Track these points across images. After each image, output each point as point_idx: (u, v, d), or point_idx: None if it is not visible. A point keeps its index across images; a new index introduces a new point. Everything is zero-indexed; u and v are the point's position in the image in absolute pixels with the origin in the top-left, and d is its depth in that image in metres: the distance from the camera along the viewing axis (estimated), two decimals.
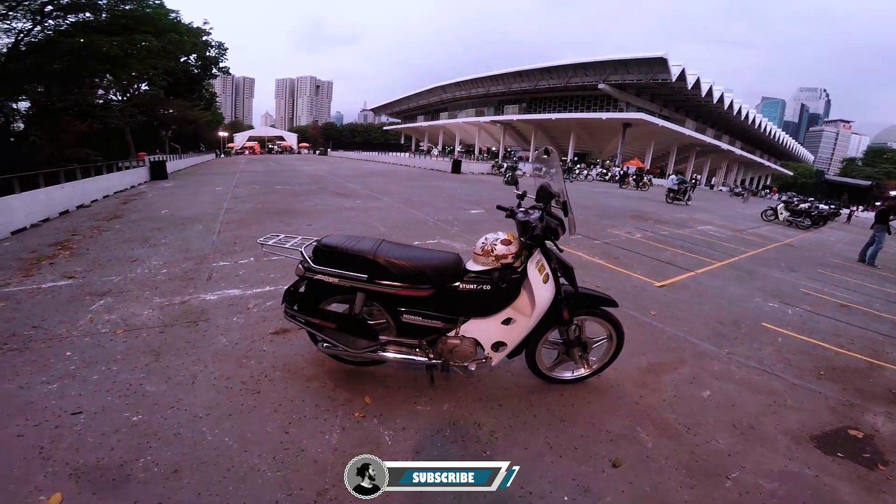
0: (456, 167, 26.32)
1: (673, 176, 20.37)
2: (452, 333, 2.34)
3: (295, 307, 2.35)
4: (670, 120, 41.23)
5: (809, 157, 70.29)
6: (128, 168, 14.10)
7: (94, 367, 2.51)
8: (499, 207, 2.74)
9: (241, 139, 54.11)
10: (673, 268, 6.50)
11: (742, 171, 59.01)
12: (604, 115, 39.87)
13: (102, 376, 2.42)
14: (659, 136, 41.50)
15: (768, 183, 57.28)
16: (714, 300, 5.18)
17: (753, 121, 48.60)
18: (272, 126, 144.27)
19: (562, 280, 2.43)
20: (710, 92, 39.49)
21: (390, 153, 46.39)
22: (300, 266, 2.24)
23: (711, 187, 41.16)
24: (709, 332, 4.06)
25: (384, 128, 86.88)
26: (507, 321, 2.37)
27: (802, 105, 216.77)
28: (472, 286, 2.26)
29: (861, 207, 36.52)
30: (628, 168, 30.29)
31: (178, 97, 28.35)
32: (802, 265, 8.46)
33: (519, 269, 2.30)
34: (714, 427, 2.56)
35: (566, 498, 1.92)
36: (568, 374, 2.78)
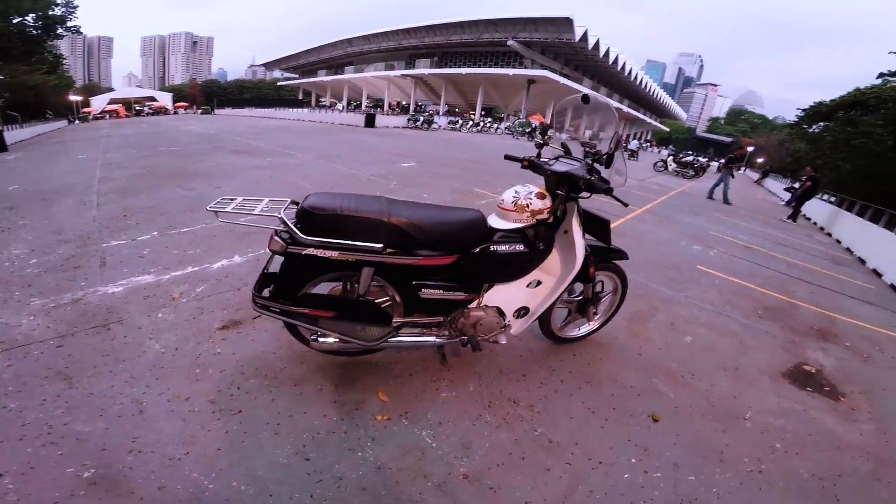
0: (369, 121, 24.85)
1: (635, 141, 24.90)
2: (474, 304, 2.01)
3: (268, 295, 1.78)
4: (570, 78, 43.33)
5: (683, 115, 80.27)
6: None
7: None
8: (508, 157, 2.46)
9: (100, 103, 43.99)
10: (604, 214, 6.89)
11: (628, 126, 65.46)
12: (511, 72, 40.48)
13: (1, 419, 1.62)
14: (559, 93, 43.40)
15: (649, 137, 64.36)
16: (651, 245, 5.57)
17: (642, 81, 53.48)
18: (138, 87, 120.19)
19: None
20: (607, 53, 42.08)
21: (289, 109, 42.21)
22: (278, 239, 1.64)
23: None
24: (661, 277, 4.32)
25: (278, 83, 77.74)
26: (532, 284, 2.11)
27: (680, 69, 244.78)
28: (503, 248, 1.91)
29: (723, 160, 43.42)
30: (534, 123, 31.52)
31: (11, 62, 24.11)
32: (701, 210, 9.65)
33: (551, 225, 2.05)
34: (710, 372, 2.68)
35: (633, 460, 1.84)
36: (576, 332, 2.66)
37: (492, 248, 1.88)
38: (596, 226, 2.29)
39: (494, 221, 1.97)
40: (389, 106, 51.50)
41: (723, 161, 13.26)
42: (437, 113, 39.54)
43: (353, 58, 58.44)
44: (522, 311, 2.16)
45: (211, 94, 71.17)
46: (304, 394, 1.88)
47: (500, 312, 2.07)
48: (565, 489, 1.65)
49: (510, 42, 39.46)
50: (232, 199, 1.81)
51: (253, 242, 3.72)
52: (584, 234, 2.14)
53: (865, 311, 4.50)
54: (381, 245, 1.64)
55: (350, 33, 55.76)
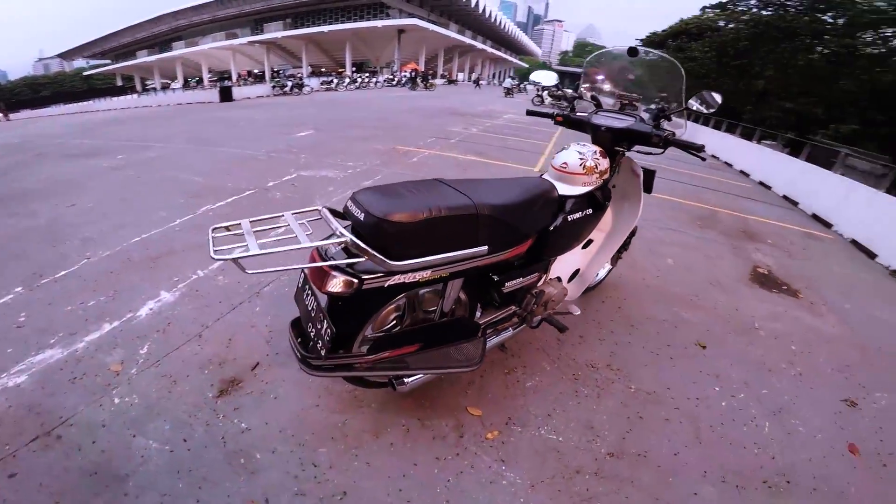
0: (226, 95, 21.11)
1: (509, 79, 26.96)
2: (542, 281, 1.83)
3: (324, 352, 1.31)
4: (437, 24, 42.69)
5: (538, 51, 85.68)
6: None
7: None
8: (532, 113, 2.26)
9: None
10: (527, 153, 7.20)
11: (493, 66, 67.77)
12: (379, 24, 38.34)
13: None
14: (429, 40, 42.94)
15: (511, 74, 67.68)
16: None
17: (501, 22, 55.08)
18: None
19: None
20: None
21: (110, 98, 34.12)
22: (339, 275, 1.15)
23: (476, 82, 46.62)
24: None
25: (85, 73, 61.64)
26: (586, 244, 2.01)
27: (529, 7, 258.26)
28: (577, 216, 1.73)
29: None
30: (413, 72, 30.76)
31: None
32: None
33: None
34: (704, 289, 2.96)
35: (717, 388, 1.98)
36: (597, 279, 2.67)
37: (569, 219, 1.68)
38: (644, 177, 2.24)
39: (562, 188, 1.75)
40: (239, 76, 45.11)
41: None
42: (302, 75, 35.85)
43: (182, 32, 49.10)
44: (575, 275, 2.07)
45: None
46: (395, 443, 1.54)
47: (559, 281, 1.94)
48: (693, 432, 1.70)
49: None
50: (228, 230, 1.26)
51: (172, 267, 2.82)
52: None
53: (759, 208, 5.48)
54: (486, 247, 1.32)
55: (174, 6, 46.11)
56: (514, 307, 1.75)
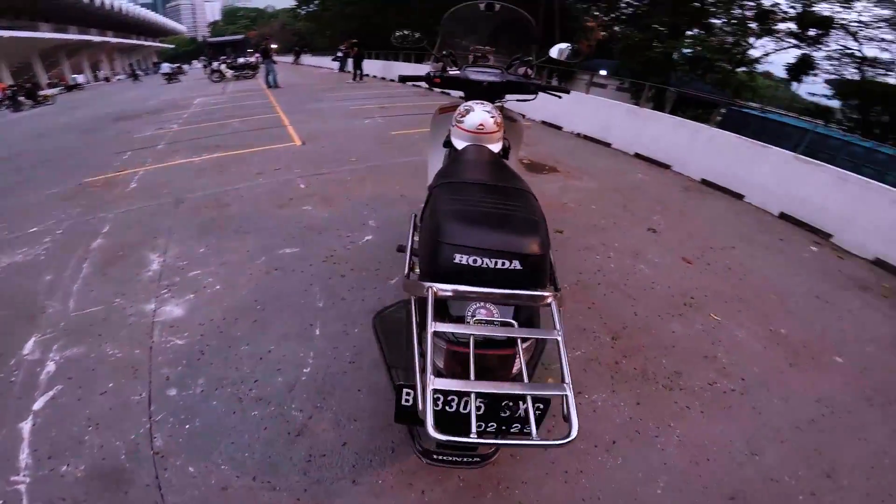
0: None
1: (166, 64, 25.16)
2: None
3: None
4: (16, 28, 30.01)
5: (181, 28, 72.09)
6: None
7: None
8: (406, 78, 2.21)
9: None
10: (270, 130, 6.36)
11: (127, 57, 54.36)
12: None
13: None
14: (8, 48, 30.21)
15: (157, 60, 56.24)
16: (342, 134, 5.88)
17: (118, 8, 43.03)
18: None
19: None
20: None
21: None
22: (523, 344, 0.95)
23: (107, 80, 37.54)
24: (392, 149, 4.80)
25: None
26: None
27: None
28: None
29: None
30: (11, 90, 21.45)
31: None
32: (320, 96, 10.18)
33: None
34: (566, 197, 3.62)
35: (597, 257, 2.65)
36: None
37: None
38: None
39: (495, 148, 1.72)
40: None
41: (259, 56, 15.76)
42: None
43: None
44: None
45: None
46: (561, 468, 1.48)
47: None
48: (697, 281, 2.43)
49: None
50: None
51: None
52: None
53: None
54: None
55: None
56: None
